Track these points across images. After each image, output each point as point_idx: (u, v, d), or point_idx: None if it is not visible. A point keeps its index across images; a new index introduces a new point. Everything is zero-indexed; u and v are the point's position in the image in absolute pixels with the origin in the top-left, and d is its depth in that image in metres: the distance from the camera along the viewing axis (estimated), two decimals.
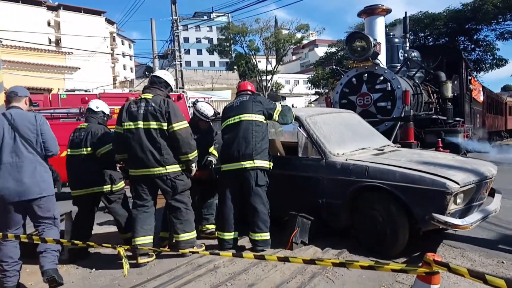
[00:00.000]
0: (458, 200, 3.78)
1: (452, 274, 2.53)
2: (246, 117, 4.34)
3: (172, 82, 4.38)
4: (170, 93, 4.42)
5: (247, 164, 4.22)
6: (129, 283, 3.57)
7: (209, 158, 4.73)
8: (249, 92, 4.70)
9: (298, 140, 4.78)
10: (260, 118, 4.38)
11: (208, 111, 4.79)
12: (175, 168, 4.06)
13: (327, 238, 4.49)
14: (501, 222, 5.17)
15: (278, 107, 4.50)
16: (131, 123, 4.02)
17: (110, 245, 3.83)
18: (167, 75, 4.36)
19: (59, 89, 19.91)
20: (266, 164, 4.32)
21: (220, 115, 4.83)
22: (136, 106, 4.07)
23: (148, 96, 4.09)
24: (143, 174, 4.04)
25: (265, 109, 4.42)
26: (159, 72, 4.41)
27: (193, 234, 4.22)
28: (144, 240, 4.02)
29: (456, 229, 3.78)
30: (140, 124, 3.99)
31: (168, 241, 4.60)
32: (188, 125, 4.14)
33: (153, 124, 3.98)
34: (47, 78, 22.11)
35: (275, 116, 4.44)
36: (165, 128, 4.00)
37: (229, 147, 4.34)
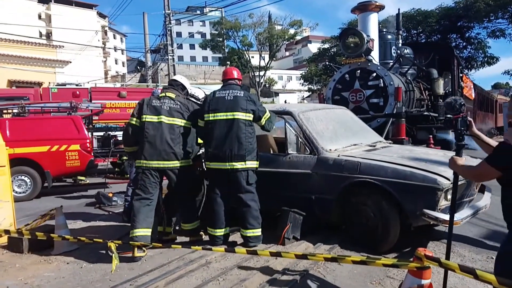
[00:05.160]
0: (449, 196, 3.81)
1: (443, 269, 2.56)
2: (240, 115, 4.24)
3: (188, 85, 4.73)
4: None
5: (239, 165, 4.19)
6: (120, 278, 3.56)
7: (202, 150, 4.72)
8: (237, 82, 4.53)
9: (289, 136, 4.70)
10: (252, 117, 4.32)
11: (199, 93, 5.13)
12: (187, 162, 4.37)
13: (319, 234, 4.51)
14: (490, 218, 5.21)
15: (268, 112, 4.43)
16: (154, 116, 4.27)
17: (101, 240, 3.83)
18: (182, 79, 4.73)
19: (49, 83, 19.68)
20: (255, 164, 4.32)
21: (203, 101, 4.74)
22: (159, 101, 4.34)
23: (171, 95, 4.42)
24: (158, 166, 4.21)
25: (257, 109, 4.34)
26: (176, 76, 4.80)
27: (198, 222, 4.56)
28: (145, 232, 4.08)
29: (447, 225, 3.81)
30: (164, 118, 4.26)
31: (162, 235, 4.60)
32: None
33: (178, 121, 4.32)
34: (37, 71, 21.82)
35: (263, 120, 4.37)
36: (189, 126, 4.41)
37: (220, 144, 4.24)
